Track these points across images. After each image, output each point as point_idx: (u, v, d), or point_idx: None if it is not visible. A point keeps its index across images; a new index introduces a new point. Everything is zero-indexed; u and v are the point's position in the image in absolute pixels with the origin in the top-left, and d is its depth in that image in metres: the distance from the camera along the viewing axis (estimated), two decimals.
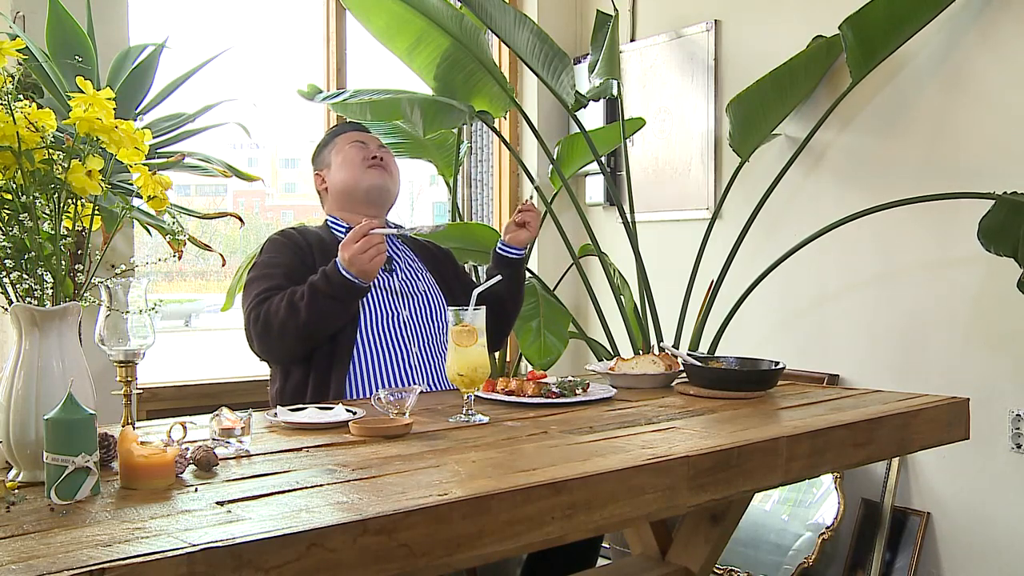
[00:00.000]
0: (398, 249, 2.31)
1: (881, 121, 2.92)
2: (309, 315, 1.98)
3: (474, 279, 2.73)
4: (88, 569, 0.84)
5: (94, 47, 2.34)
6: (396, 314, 2.15)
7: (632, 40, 3.71)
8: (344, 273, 1.97)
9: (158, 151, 2.43)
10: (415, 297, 2.21)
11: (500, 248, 2.29)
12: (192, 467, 1.24)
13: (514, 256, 2.28)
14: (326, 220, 2.33)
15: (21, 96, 1.30)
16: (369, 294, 2.11)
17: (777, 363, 1.99)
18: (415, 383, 2.10)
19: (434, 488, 1.14)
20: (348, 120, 2.71)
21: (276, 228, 2.33)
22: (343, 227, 2.28)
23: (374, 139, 2.39)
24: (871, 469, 2.91)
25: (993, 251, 2.46)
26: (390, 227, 2.23)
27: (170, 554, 0.88)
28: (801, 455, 1.54)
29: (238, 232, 3.65)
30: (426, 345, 2.17)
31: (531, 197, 2.33)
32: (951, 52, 2.75)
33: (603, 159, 3.20)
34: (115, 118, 1.29)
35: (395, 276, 2.21)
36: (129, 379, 1.37)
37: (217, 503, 1.08)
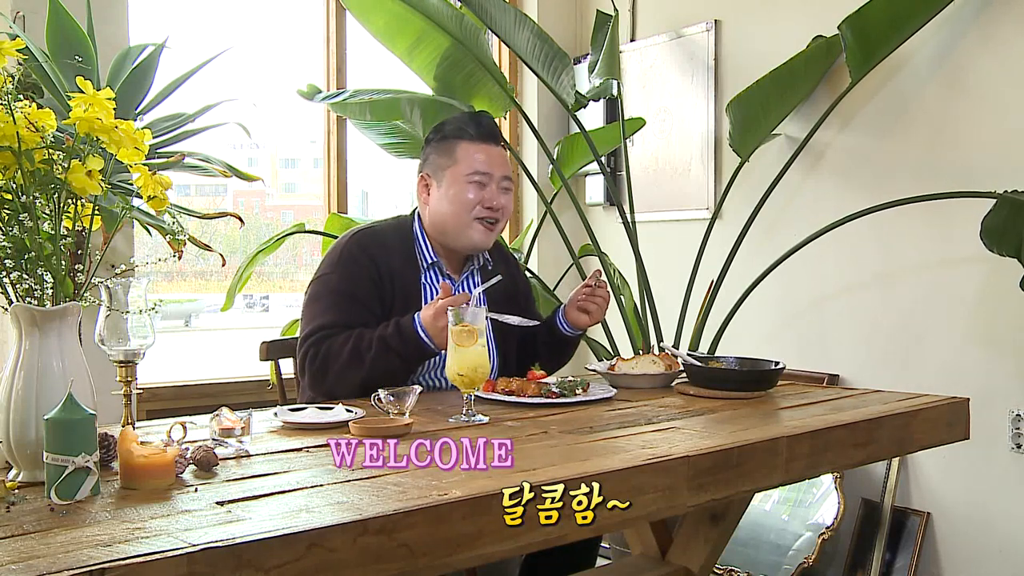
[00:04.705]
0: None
1: (881, 121, 2.92)
2: (373, 370, 1.87)
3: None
4: (88, 569, 0.84)
5: (94, 47, 2.34)
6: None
7: (632, 40, 3.71)
8: (421, 335, 1.87)
9: (158, 151, 2.43)
10: None
11: (560, 322, 2.17)
12: (192, 467, 1.24)
13: (569, 335, 2.19)
14: (414, 229, 2.13)
15: (21, 96, 1.30)
16: None
17: (777, 363, 1.99)
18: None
19: (434, 488, 1.14)
20: (464, 112, 2.37)
21: (276, 228, 2.28)
22: (432, 256, 2.11)
23: (499, 167, 2.06)
24: (871, 469, 2.90)
25: (996, 251, 2.46)
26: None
27: (170, 554, 0.88)
28: (801, 455, 1.54)
29: (238, 232, 3.65)
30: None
31: (603, 275, 2.12)
32: (951, 51, 2.75)
33: (603, 159, 3.20)
34: (115, 118, 1.29)
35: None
36: (129, 379, 1.37)
37: (217, 503, 1.08)
